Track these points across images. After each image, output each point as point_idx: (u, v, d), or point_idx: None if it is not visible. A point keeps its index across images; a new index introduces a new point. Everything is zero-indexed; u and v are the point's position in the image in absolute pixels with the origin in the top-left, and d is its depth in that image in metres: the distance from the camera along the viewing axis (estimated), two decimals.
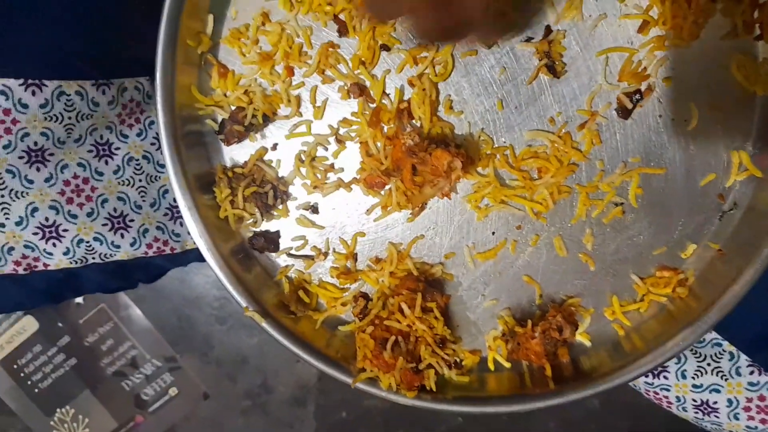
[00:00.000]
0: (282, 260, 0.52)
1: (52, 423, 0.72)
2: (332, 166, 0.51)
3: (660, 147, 0.48)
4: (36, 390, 0.71)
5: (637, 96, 0.48)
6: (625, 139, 0.49)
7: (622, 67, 0.48)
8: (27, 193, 0.49)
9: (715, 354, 0.53)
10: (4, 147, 0.46)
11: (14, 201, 0.48)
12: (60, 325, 0.71)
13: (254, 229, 0.52)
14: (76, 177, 0.50)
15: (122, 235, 0.52)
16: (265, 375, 0.72)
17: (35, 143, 0.47)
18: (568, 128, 0.49)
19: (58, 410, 0.72)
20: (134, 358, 0.72)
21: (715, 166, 0.48)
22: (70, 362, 0.71)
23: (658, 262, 0.50)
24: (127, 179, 0.52)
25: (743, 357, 0.52)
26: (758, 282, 0.45)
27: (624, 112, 0.48)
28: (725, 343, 0.53)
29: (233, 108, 0.50)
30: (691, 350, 0.54)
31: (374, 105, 0.49)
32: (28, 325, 0.70)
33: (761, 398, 0.53)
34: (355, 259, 0.52)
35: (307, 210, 0.51)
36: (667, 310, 0.50)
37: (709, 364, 0.54)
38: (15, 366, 0.70)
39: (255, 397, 0.72)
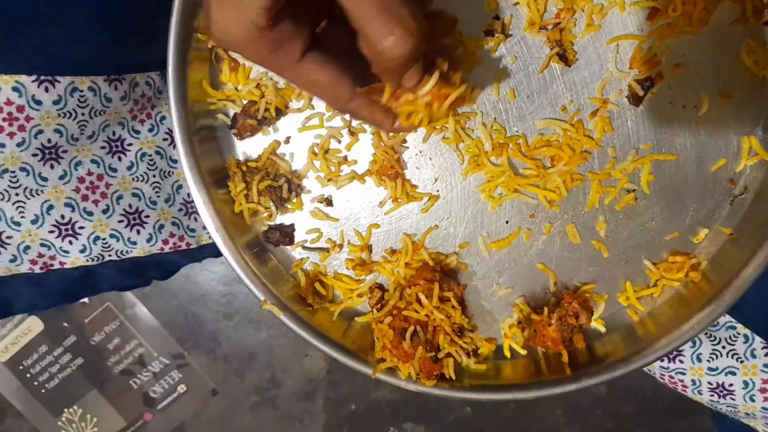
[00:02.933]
0: (297, 253, 0.52)
1: (60, 423, 0.71)
2: (345, 158, 0.50)
3: (671, 133, 0.49)
4: (43, 390, 0.70)
5: (648, 83, 0.48)
6: (636, 126, 0.49)
7: (633, 55, 0.48)
8: (42, 191, 0.48)
9: (730, 337, 0.54)
10: (18, 145, 0.45)
11: (29, 199, 0.48)
12: (65, 324, 0.70)
13: (269, 222, 0.51)
14: (90, 174, 0.49)
15: (138, 232, 0.52)
16: (273, 370, 0.72)
17: (49, 140, 0.46)
18: (580, 116, 0.49)
19: (65, 410, 0.71)
20: (141, 356, 0.71)
21: (726, 151, 0.48)
22: (77, 362, 0.70)
23: (670, 247, 0.50)
24: (140, 175, 0.52)
25: (758, 339, 0.53)
26: None
27: (635, 100, 0.48)
28: (739, 326, 0.53)
29: (245, 102, 0.50)
30: (706, 334, 0.54)
31: None
32: (33, 325, 0.69)
33: None
34: (370, 251, 0.52)
35: (322, 203, 0.51)
36: (681, 294, 0.50)
37: (723, 347, 0.54)
38: (21, 367, 0.70)
39: (264, 392, 0.72)
